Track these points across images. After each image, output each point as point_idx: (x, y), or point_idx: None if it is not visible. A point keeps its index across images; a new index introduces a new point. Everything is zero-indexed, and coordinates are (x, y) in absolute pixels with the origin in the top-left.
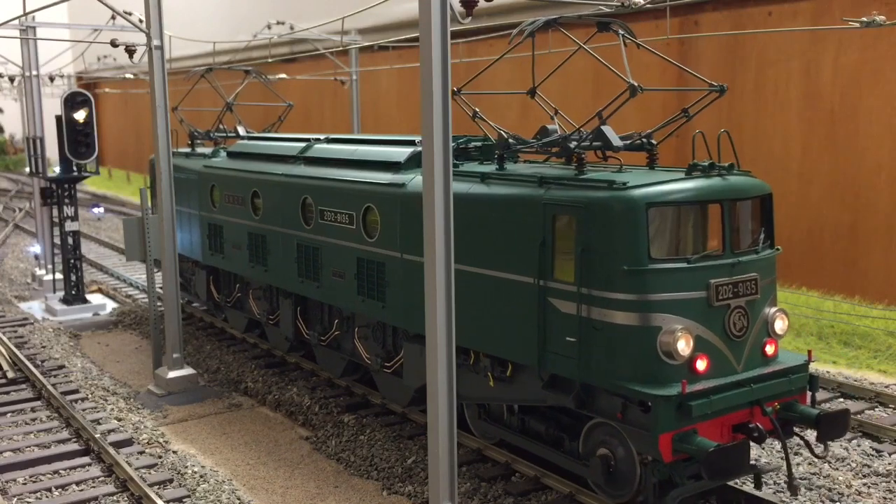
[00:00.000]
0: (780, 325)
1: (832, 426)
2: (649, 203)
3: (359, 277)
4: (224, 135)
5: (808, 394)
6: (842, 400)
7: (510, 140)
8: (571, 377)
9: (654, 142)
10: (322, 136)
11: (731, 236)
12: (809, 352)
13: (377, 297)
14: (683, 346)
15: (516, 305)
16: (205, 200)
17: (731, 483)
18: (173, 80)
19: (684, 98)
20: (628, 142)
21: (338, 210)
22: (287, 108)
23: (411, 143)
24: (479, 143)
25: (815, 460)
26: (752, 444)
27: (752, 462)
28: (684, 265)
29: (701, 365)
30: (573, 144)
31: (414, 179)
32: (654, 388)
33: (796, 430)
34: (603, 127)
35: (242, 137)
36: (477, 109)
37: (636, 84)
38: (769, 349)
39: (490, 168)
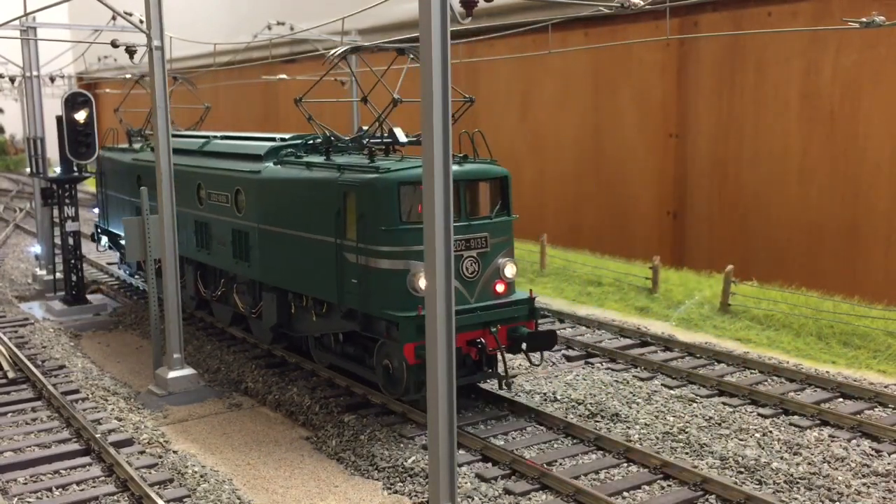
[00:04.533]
0: (509, 271)
1: (537, 341)
2: (400, 182)
3: (233, 244)
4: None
5: (534, 322)
6: (841, 400)
7: (331, 138)
8: (358, 308)
9: None
10: (219, 134)
11: (466, 206)
12: (531, 290)
13: (245, 258)
14: (424, 283)
15: (325, 259)
16: (133, 188)
17: (482, 385)
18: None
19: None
20: (413, 138)
21: (219, 192)
22: (205, 109)
23: (272, 139)
24: (319, 140)
25: (815, 461)
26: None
27: (500, 373)
28: None
29: None
30: (366, 141)
31: (267, 167)
32: (401, 312)
33: (523, 346)
34: (394, 128)
35: (176, 135)
36: (311, 114)
37: (397, 97)
38: (499, 288)
39: (318, 158)
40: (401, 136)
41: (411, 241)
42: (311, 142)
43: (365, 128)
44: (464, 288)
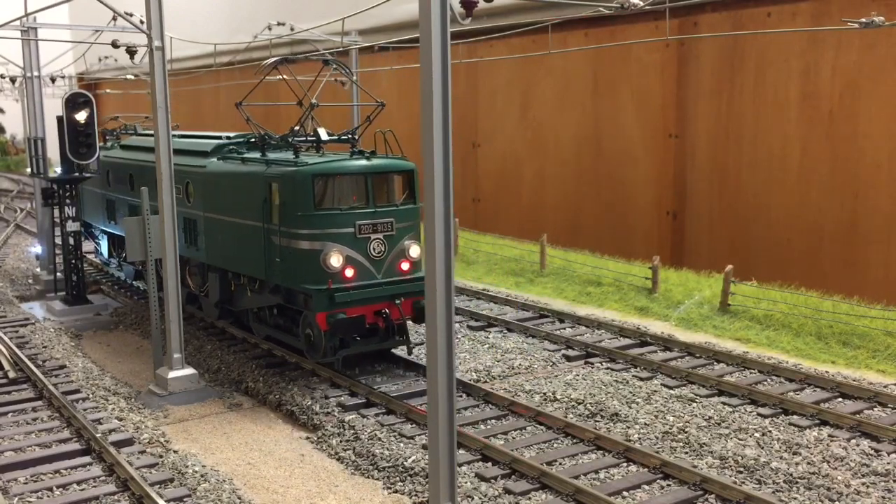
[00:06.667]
0: (413, 251)
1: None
2: (314, 174)
3: (185, 231)
4: (125, 131)
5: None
6: (840, 399)
7: (266, 136)
8: (281, 284)
9: (356, 137)
10: (177, 133)
11: (373, 195)
12: None
13: (195, 243)
14: (335, 261)
15: (255, 241)
16: (104, 181)
17: (395, 351)
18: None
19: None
20: (335, 137)
21: (174, 185)
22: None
23: (219, 137)
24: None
25: (814, 460)
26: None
27: (413, 342)
28: (339, 211)
29: (349, 273)
30: (292, 139)
31: (212, 162)
32: (315, 286)
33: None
34: (318, 128)
35: (140, 134)
36: (249, 116)
37: (315, 101)
38: (404, 266)
39: (255, 154)
40: (323, 135)
41: (325, 225)
42: (251, 140)
43: (297, 128)
44: (371, 265)
